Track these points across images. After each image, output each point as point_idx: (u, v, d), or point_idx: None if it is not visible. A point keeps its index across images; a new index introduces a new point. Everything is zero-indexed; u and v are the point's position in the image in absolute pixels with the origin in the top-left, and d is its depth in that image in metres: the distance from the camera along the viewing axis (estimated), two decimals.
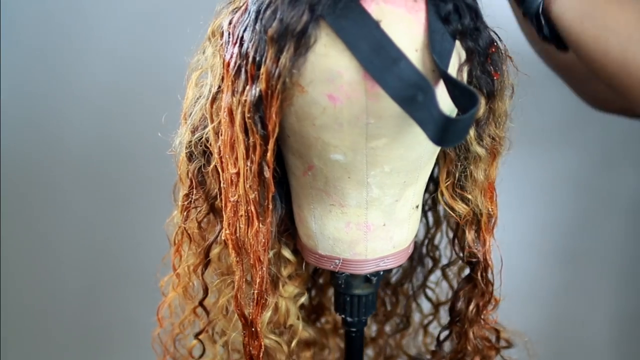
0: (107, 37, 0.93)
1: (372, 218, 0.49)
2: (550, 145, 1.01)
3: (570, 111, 0.90)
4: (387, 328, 0.74)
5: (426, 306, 0.71)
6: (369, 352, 0.77)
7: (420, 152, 0.46)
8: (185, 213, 0.53)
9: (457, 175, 0.50)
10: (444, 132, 0.36)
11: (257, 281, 0.47)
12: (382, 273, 0.53)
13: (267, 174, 0.44)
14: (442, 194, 0.52)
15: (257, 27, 0.41)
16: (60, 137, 0.98)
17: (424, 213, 0.65)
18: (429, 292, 0.69)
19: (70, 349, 1.11)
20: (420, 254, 0.67)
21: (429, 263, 0.67)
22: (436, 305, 0.69)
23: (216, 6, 0.49)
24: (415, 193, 0.50)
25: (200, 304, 0.56)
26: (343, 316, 0.57)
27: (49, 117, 0.97)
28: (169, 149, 0.53)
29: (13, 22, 0.91)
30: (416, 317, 0.72)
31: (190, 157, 0.50)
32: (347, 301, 0.55)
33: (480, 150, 0.48)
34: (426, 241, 0.66)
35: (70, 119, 0.97)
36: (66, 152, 0.99)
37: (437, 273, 0.68)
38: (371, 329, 0.75)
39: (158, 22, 0.93)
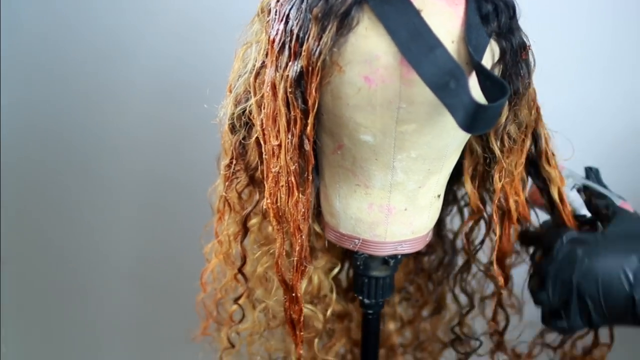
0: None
1: (394, 201, 0.50)
2: None
3: None
4: (423, 312, 0.74)
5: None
6: (406, 336, 0.77)
7: (447, 141, 0.47)
8: (227, 183, 0.55)
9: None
10: (473, 119, 0.37)
11: (297, 249, 0.49)
12: (400, 257, 0.55)
13: (307, 147, 0.46)
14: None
15: (303, 5, 0.43)
16: (62, 132, 0.95)
17: (460, 209, 0.66)
18: (461, 284, 0.68)
19: (70, 348, 1.09)
20: (455, 248, 0.68)
21: (462, 257, 0.67)
22: (471, 297, 0.68)
23: None
24: (439, 182, 0.51)
25: (240, 271, 0.59)
26: (361, 297, 0.58)
27: (52, 113, 0.94)
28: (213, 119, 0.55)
29: (13, 21, 0.89)
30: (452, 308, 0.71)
31: (232, 128, 0.53)
32: (365, 283, 0.57)
33: (496, 149, 0.50)
34: (463, 235, 0.66)
35: (74, 114, 0.94)
36: (72, 147, 0.96)
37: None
38: (408, 312, 0.76)
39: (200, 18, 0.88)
